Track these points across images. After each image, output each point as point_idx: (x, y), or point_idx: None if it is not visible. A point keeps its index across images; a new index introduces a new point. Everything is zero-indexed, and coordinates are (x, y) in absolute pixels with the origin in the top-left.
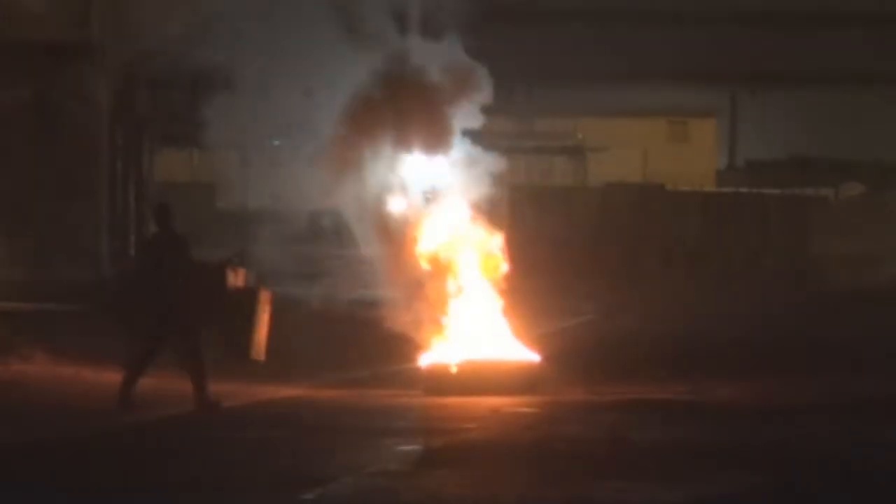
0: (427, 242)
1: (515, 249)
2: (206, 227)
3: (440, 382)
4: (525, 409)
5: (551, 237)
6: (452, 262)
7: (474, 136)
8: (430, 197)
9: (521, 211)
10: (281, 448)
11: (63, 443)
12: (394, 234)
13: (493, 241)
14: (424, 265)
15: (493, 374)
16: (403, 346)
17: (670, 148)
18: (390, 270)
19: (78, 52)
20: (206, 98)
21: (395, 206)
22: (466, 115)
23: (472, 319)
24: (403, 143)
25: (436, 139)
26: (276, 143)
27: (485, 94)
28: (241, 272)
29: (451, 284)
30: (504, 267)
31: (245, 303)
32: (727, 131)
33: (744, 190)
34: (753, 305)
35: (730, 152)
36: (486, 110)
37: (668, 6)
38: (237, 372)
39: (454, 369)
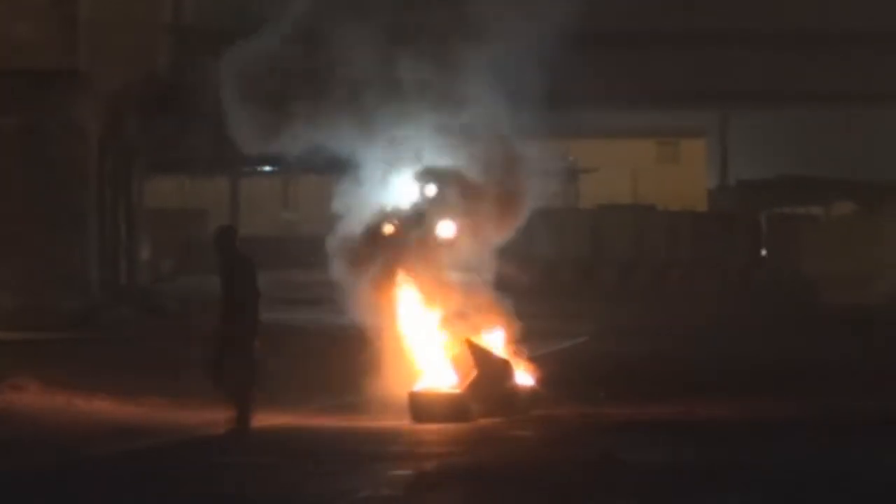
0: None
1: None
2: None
3: (430, 408)
4: (517, 432)
5: (543, 259)
6: (443, 285)
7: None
8: (420, 220)
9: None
10: (273, 474)
11: (58, 470)
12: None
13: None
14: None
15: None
16: (392, 372)
17: (660, 168)
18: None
19: (66, 79)
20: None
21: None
22: None
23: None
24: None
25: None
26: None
27: None
28: None
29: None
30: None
31: None
32: (718, 151)
33: (734, 209)
34: (745, 325)
35: (721, 172)
36: None
37: (655, 27)
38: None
39: (444, 394)
